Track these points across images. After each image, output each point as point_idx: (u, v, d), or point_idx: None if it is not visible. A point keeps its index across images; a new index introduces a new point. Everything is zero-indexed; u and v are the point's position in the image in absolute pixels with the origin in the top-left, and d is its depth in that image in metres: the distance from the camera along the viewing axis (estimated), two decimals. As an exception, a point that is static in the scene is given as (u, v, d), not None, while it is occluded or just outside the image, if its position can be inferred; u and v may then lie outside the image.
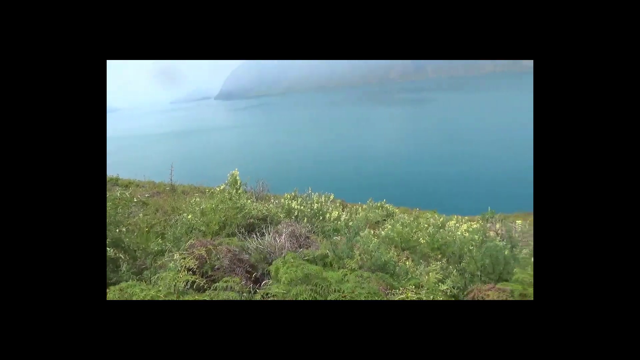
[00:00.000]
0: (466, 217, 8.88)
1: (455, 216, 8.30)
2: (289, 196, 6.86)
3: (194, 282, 2.68)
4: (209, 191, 6.58)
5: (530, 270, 3.19)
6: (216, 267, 3.33)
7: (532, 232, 5.10)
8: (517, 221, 5.06)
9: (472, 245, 3.92)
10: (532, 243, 4.70)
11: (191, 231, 4.35)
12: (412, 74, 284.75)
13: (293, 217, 5.79)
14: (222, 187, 6.23)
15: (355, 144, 69.92)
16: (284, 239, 4.17)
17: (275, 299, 2.58)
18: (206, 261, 3.26)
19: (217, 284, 2.45)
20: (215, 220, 4.46)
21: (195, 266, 2.92)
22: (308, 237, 4.69)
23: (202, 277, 3.09)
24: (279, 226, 4.79)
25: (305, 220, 5.57)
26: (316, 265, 3.14)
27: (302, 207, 6.13)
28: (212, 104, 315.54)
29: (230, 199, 5.10)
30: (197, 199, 5.57)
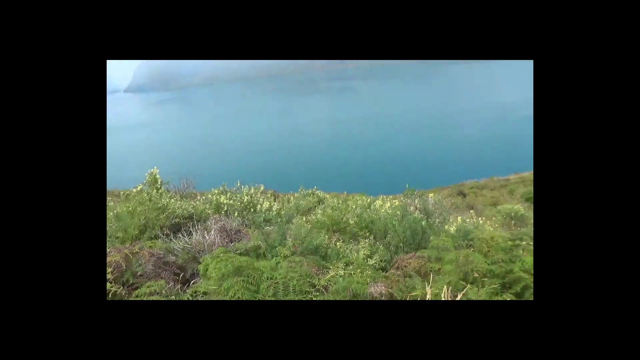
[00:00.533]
0: (390, 196, 9.55)
1: (381, 196, 8.86)
2: (216, 191, 6.59)
3: (112, 292, 2.45)
4: (123, 194, 5.99)
5: (444, 236, 3.59)
6: (139, 273, 3.09)
7: (443, 203, 5.73)
8: (429, 194, 5.60)
9: (394, 221, 4.24)
10: (444, 214, 5.28)
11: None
12: (334, 63, 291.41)
13: (222, 212, 5.59)
14: (139, 188, 5.72)
15: (283, 134, 69.77)
16: (214, 235, 4.02)
17: (207, 297, 2.50)
18: (126, 269, 2.99)
19: (139, 290, 2.28)
20: (134, 224, 4.10)
21: (112, 275, 2.68)
22: (239, 231, 4.59)
23: (122, 286, 2.85)
24: (208, 223, 4.59)
25: (235, 214, 5.42)
26: (248, 257, 3.10)
27: (231, 201, 5.94)
28: (122, 97, 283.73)
29: (150, 200, 4.72)
30: (111, 204, 5.03)
